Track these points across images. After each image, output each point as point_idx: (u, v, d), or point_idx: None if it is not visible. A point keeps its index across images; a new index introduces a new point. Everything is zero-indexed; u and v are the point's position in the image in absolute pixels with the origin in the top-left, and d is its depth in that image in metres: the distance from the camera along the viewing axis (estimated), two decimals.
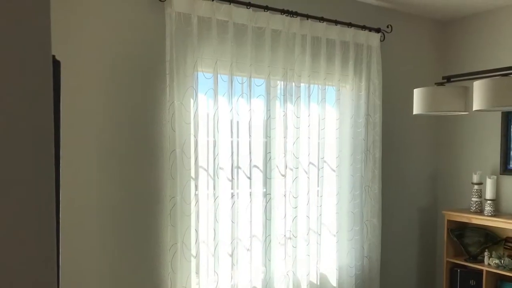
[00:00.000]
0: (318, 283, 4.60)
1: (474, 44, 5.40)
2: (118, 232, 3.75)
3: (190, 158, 3.83)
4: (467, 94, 3.90)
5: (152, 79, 3.82)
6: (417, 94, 3.99)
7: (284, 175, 4.32)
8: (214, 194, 3.96)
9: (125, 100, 3.72)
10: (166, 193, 3.85)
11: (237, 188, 4.11)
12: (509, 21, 5.04)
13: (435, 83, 4.05)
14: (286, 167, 4.32)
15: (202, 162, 3.94)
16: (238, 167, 4.10)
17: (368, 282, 4.97)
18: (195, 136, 3.84)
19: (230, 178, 4.06)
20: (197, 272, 3.91)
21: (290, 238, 4.38)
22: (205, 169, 3.97)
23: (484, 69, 4.42)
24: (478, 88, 3.49)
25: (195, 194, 3.88)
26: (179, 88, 3.79)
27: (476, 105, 3.53)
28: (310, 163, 4.48)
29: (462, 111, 3.90)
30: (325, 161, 4.60)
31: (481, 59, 5.28)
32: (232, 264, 4.08)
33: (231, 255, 4.07)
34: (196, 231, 3.89)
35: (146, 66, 3.80)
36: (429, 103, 3.89)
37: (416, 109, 4.02)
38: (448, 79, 4.10)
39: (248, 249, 4.17)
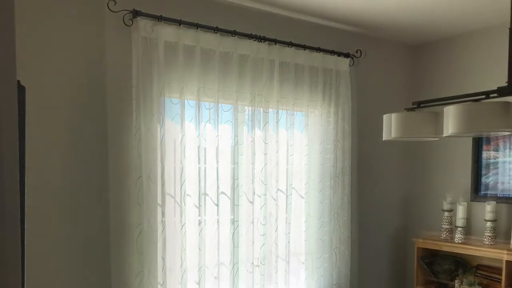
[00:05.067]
0: None
1: (444, 69, 5.42)
2: (84, 259, 3.68)
3: (156, 184, 3.79)
4: (437, 120, 3.87)
5: (118, 105, 3.77)
6: (387, 120, 3.96)
7: (252, 202, 4.27)
8: (181, 221, 3.91)
9: (91, 126, 3.68)
10: (132, 220, 3.79)
11: (205, 215, 4.07)
12: (479, 46, 5.07)
13: (405, 109, 4.03)
14: (254, 193, 4.28)
15: (169, 188, 3.89)
16: (205, 194, 4.06)
17: None
18: (162, 162, 3.80)
19: (198, 205, 4.02)
20: None
21: (258, 266, 4.33)
22: (172, 196, 3.92)
23: (455, 94, 4.42)
24: (449, 114, 3.47)
25: (161, 221, 3.84)
26: (146, 114, 3.75)
27: (447, 131, 3.52)
28: (278, 189, 4.44)
29: (432, 137, 3.87)
30: (293, 188, 4.57)
31: (452, 84, 5.29)
32: None
33: (198, 283, 4.02)
34: (163, 258, 3.84)
35: (112, 91, 3.75)
36: (399, 129, 3.86)
37: (386, 135, 3.98)
38: (419, 104, 4.08)
39: (215, 277, 4.12)
